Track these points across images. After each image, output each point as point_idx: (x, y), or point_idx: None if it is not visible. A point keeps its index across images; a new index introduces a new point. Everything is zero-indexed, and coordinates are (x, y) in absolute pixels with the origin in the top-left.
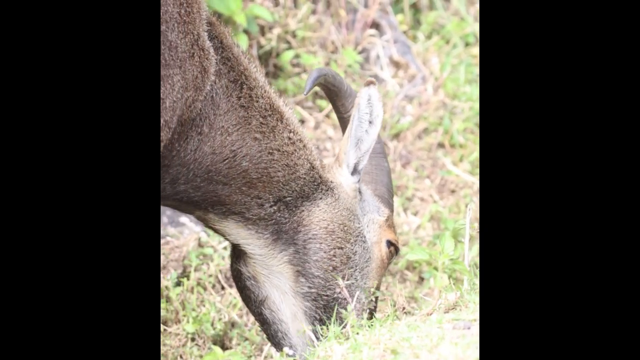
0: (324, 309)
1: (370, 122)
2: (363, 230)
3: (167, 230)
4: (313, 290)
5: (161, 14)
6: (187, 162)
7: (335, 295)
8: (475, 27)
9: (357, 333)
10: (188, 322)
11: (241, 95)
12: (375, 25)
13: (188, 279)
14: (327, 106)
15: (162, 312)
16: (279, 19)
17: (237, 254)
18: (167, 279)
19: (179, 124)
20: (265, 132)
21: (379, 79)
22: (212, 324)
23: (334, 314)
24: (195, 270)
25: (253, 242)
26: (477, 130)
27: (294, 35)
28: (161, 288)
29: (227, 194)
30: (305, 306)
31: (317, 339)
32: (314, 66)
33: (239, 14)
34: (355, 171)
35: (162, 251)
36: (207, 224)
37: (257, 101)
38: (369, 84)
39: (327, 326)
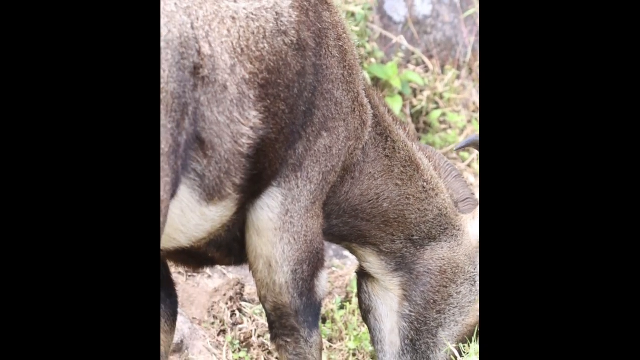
0: (416, 332)
1: None
2: (477, 276)
3: (333, 262)
4: (412, 314)
5: (328, 74)
6: (340, 201)
7: (427, 325)
8: None
9: None
10: (350, 339)
11: (386, 146)
12: None
13: (350, 303)
14: (469, 157)
15: (328, 331)
16: (429, 83)
17: (363, 271)
18: (332, 303)
19: (342, 168)
20: (404, 179)
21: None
22: (370, 342)
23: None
24: (356, 295)
25: (380, 268)
26: None
27: (441, 97)
28: (327, 311)
29: (368, 229)
30: (402, 325)
31: (460, 355)
32: (458, 123)
33: (395, 79)
34: None
35: (328, 279)
36: (349, 248)
37: (398, 152)
38: None
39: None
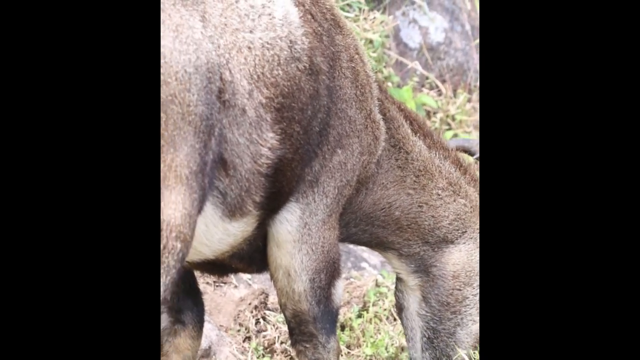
0: (433, 331)
1: None
2: None
3: (351, 273)
4: (428, 315)
5: (341, 95)
6: (355, 210)
7: (443, 324)
8: None
9: None
10: (367, 346)
11: (399, 157)
12: None
13: (367, 312)
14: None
15: (346, 338)
16: (442, 106)
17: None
18: (350, 312)
19: (357, 181)
20: (417, 188)
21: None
22: (386, 348)
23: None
24: (373, 305)
25: (402, 270)
26: None
27: (453, 119)
28: (345, 319)
29: (385, 236)
30: (420, 325)
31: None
32: None
33: (410, 102)
34: None
35: (346, 290)
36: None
37: (412, 163)
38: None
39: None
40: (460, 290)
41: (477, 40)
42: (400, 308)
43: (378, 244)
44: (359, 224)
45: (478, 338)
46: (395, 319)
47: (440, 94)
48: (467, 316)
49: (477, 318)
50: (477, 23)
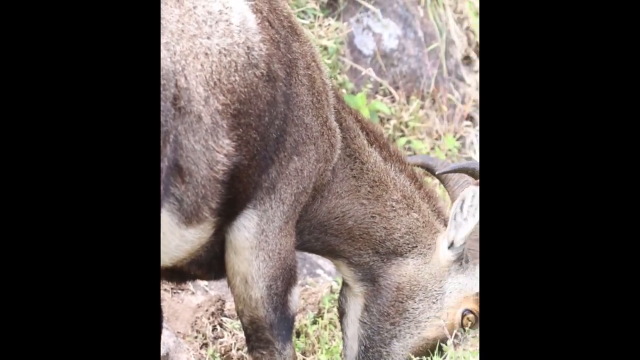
0: (370, 340)
1: (465, 219)
2: (442, 295)
3: (306, 280)
4: (367, 323)
5: (298, 102)
6: (310, 218)
7: (380, 335)
8: None
9: None
10: (322, 353)
11: (354, 167)
12: (470, 117)
13: (322, 319)
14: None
15: (302, 345)
16: (395, 112)
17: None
18: (305, 319)
19: (313, 189)
20: (371, 199)
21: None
22: (341, 355)
23: None
24: (328, 311)
25: (350, 277)
26: None
27: (407, 126)
28: (300, 325)
29: (337, 244)
30: (360, 333)
31: None
32: (422, 150)
33: (364, 109)
34: (452, 246)
35: (302, 296)
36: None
37: (367, 173)
38: (477, 184)
39: None
40: (402, 302)
41: (430, 47)
42: (342, 313)
43: (329, 252)
44: (313, 232)
45: (412, 353)
46: None
47: (393, 100)
48: (405, 329)
49: (415, 332)
50: (429, 30)
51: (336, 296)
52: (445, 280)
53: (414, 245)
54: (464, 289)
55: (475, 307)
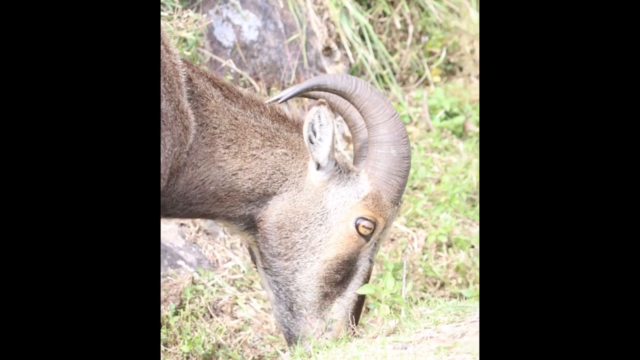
0: (276, 284)
1: (320, 139)
2: (326, 214)
3: (168, 271)
4: (268, 269)
5: None
6: (169, 193)
7: (281, 275)
8: (410, 111)
9: (318, 352)
10: (184, 344)
11: (205, 135)
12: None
13: (184, 310)
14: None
15: (163, 336)
16: None
17: None
18: (167, 310)
19: (170, 173)
20: (228, 159)
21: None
22: (203, 346)
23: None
24: (190, 302)
25: (235, 230)
26: (410, 191)
27: None
28: (162, 317)
29: (207, 209)
30: (268, 279)
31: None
32: None
33: None
34: (319, 167)
35: (163, 287)
36: None
37: (219, 137)
38: (319, 104)
39: (294, 347)
40: (287, 237)
41: (290, 39)
42: (256, 265)
43: (203, 216)
44: (177, 205)
45: (325, 277)
46: (211, 316)
47: (254, 91)
48: (302, 259)
49: (314, 258)
50: (289, 21)
51: (198, 287)
52: (326, 200)
53: (284, 179)
54: (347, 200)
55: (366, 212)
